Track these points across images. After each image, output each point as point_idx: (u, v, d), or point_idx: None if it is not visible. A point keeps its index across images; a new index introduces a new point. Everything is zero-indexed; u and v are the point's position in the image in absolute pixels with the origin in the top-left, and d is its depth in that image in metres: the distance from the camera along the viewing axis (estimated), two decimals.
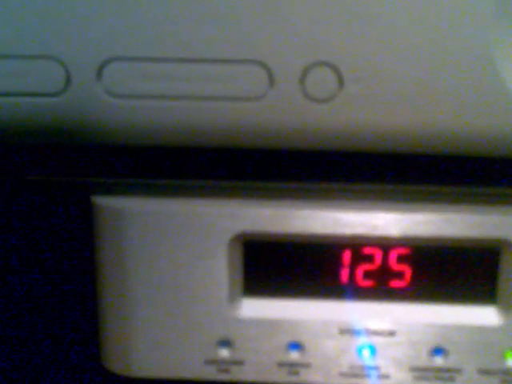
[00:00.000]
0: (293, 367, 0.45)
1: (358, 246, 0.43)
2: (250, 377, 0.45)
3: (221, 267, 0.43)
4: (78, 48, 0.37)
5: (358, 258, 0.44)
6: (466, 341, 0.44)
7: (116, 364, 0.46)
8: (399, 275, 0.44)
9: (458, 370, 0.44)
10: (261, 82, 0.37)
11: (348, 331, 0.44)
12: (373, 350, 0.45)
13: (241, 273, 0.44)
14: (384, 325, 0.44)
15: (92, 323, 0.46)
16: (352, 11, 0.36)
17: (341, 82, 0.37)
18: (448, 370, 0.45)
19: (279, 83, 0.37)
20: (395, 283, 0.44)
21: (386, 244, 0.43)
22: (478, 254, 0.43)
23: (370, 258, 0.44)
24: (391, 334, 0.44)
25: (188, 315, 0.44)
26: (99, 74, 0.37)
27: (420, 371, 0.45)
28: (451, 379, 0.45)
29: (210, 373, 0.45)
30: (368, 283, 0.44)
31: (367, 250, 0.43)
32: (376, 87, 0.37)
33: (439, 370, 0.45)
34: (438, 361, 0.44)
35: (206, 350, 0.45)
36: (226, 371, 0.45)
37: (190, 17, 0.36)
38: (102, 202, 0.43)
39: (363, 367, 0.45)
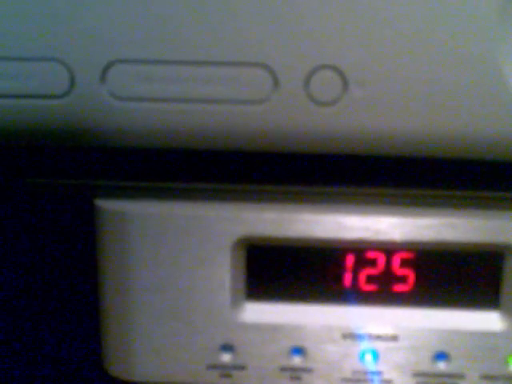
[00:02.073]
0: (295, 372, 0.45)
1: (360, 251, 0.43)
2: (253, 382, 0.45)
3: (223, 271, 0.43)
4: (82, 50, 0.37)
5: (361, 262, 0.44)
6: (469, 346, 0.44)
7: (118, 368, 0.46)
8: (402, 280, 0.44)
9: (460, 376, 0.44)
10: (265, 84, 0.37)
11: (350, 336, 0.44)
12: (375, 355, 0.44)
13: (243, 277, 0.44)
14: (387, 329, 0.44)
15: (94, 327, 0.46)
16: (356, 15, 0.36)
17: (345, 85, 0.37)
18: (451, 376, 0.44)
19: (283, 86, 0.37)
20: (398, 288, 0.44)
21: (388, 248, 0.43)
22: (482, 258, 0.43)
23: (372, 263, 0.43)
24: (394, 338, 0.44)
25: (190, 319, 0.44)
26: (103, 76, 0.37)
27: (423, 376, 0.44)
28: None
29: (213, 377, 0.45)
30: (371, 288, 0.44)
31: (370, 255, 0.43)
32: (380, 90, 0.37)
33: (442, 375, 0.44)
34: (441, 366, 0.44)
35: (208, 355, 0.45)
36: (229, 376, 0.45)
37: (195, 19, 0.36)
38: (105, 204, 0.43)
39: (366, 372, 0.45)
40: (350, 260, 0.43)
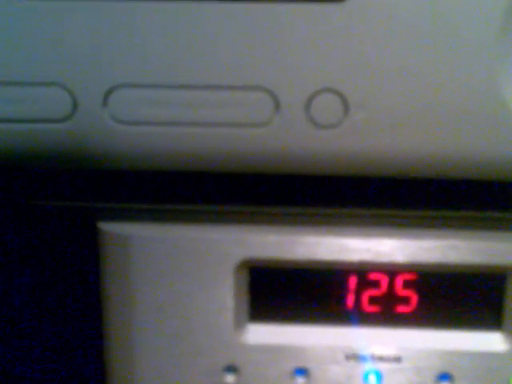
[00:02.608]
0: None
1: (363, 272, 0.43)
2: None
3: (227, 293, 0.43)
4: (84, 75, 0.37)
5: (364, 283, 0.44)
6: (472, 367, 0.44)
7: None
8: (405, 301, 0.44)
9: None
10: (266, 108, 0.37)
11: (354, 357, 0.44)
12: (379, 376, 0.44)
13: (247, 299, 0.44)
14: (390, 351, 0.44)
15: (97, 348, 0.46)
16: (356, 39, 0.36)
17: (346, 108, 0.37)
18: None
19: (285, 109, 0.37)
20: (401, 309, 0.44)
21: (391, 270, 0.43)
22: (484, 279, 0.43)
23: (375, 284, 0.43)
24: (397, 359, 0.44)
25: (194, 341, 0.44)
26: (105, 100, 0.37)
27: None
28: None
29: None
30: (374, 309, 0.44)
31: (373, 276, 0.43)
32: (381, 113, 0.37)
33: None
34: None
35: (211, 376, 0.45)
36: None
37: (196, 44, 0.36)
38: (108, 228, 0.43)
39: None
40: (352, 281, 0.43)
